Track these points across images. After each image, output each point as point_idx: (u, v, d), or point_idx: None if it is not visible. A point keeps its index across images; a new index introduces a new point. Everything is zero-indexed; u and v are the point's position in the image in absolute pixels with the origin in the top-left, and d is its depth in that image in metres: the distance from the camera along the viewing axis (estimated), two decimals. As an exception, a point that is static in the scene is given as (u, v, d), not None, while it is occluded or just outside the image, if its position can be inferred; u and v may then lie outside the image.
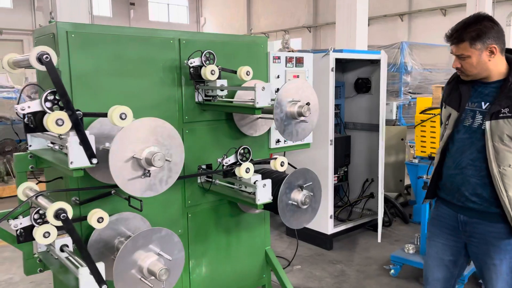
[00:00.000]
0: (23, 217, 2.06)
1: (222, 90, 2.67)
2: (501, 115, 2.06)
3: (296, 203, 2.65)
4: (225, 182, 2.78)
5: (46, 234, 1.97)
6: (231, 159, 2.43)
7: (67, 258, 2.05)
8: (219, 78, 2.66)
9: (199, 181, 2.86)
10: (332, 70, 4.23)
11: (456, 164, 2.25)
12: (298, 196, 2.65)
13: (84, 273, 1.82)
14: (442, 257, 2.41)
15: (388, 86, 10.47)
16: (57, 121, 1.68)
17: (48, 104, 1.72)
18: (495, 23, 2.09)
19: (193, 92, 2.79)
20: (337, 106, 5.26)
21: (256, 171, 2.68)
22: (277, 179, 2.68)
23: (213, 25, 23.76)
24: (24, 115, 1.72)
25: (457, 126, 2.24)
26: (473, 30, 2.07)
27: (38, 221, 2.06)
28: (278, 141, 3.32)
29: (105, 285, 1.87)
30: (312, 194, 2.69)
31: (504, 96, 2.08)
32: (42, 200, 1.95)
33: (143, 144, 2.03)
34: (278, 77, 3.23)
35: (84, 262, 1.82)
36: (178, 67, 2.69)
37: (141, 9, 21.88)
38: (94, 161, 1.80)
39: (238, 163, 2.43)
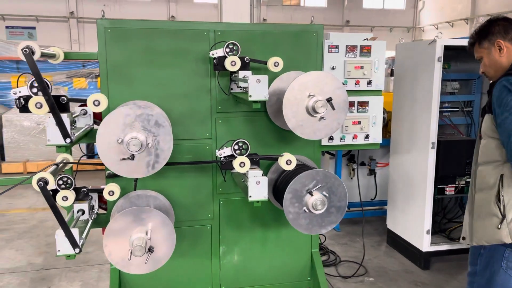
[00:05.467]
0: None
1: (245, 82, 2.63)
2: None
3: (308, 210, 2.45)
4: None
5: (64, 198, 2.39)
6: (226, 151, 2.40)
7: (76, 220, 2.43)
8: (245, 69, 2.62)
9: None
10: (439, 61, 3.55)
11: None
12: (309, 201, 2.44)
13: (59, 234, 2.15)
14: None
15: None
16: (36, 104, 2.02)
17: (34, 90, 2.07)
18: (508, 21, 2.10)
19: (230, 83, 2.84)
20: (469, 103, 4.38)
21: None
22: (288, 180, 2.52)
23: (432, 9, 21.46)
24: (17, 98, 2.12)
25: None
26: (482, 31, 2.17)
27: (62, 186, 2.49)
28: (331, 138, 3.05)
29: (78, 248, 2.16)
30: (327, 195, 2.44)
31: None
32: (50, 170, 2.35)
33: (130, 130, 2.22)
34: (333, 68, 2.95)
35: (60, 226, 2.14)
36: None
37: (355, -4, 21.77)
38: (68, 140, 2.08)
39: (234, 156, 2.38)
